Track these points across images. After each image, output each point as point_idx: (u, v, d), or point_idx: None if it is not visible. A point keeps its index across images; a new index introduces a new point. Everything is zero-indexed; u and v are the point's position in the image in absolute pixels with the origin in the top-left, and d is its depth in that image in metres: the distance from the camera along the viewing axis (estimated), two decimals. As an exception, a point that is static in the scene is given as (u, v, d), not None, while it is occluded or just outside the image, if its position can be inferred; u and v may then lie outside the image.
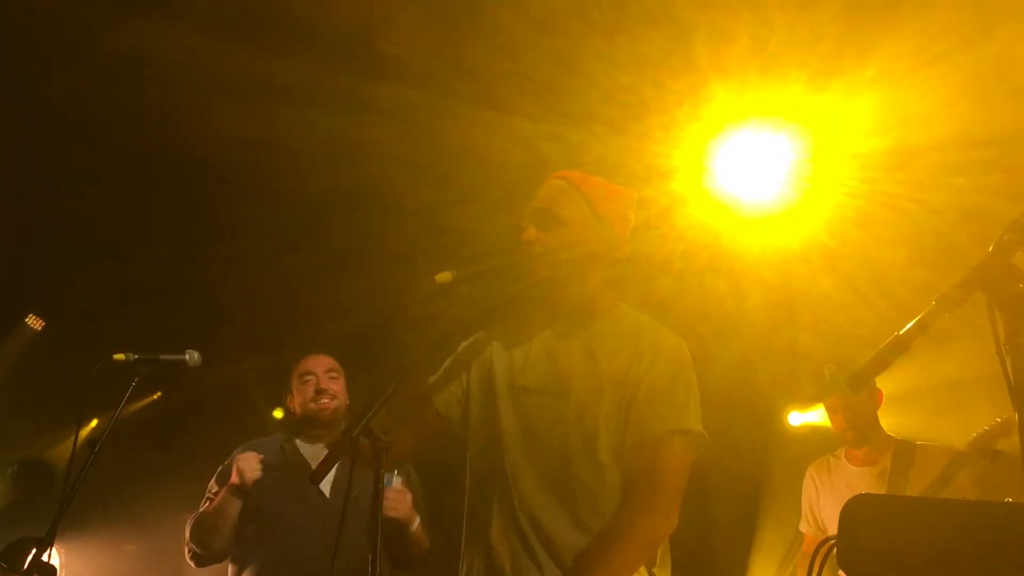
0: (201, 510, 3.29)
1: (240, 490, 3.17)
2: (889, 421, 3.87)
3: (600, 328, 2.31)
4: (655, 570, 2.18)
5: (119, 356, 2.95)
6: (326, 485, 3.25)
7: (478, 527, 2.26)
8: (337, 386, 3.48)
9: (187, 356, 3.10)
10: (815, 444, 5.15)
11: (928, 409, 4.70)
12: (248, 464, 3.17)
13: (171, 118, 4.28)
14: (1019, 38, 3.63)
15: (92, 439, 2.82)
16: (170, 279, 4.88)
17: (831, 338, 5.04)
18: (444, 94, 4.35)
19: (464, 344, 2.45)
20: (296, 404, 3.47)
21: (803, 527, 4.01)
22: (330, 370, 3.49)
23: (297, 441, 3.45)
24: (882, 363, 1.35)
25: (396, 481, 3.02)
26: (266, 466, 3.27)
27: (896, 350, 1.34)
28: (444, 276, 2.11)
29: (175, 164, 4.56)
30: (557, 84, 4.49)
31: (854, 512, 1.48)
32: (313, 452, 3.40)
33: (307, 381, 3.46)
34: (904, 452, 3.70)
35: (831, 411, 3.83)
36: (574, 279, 2.31)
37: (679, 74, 4.35)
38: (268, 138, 4.39)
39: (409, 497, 3.06)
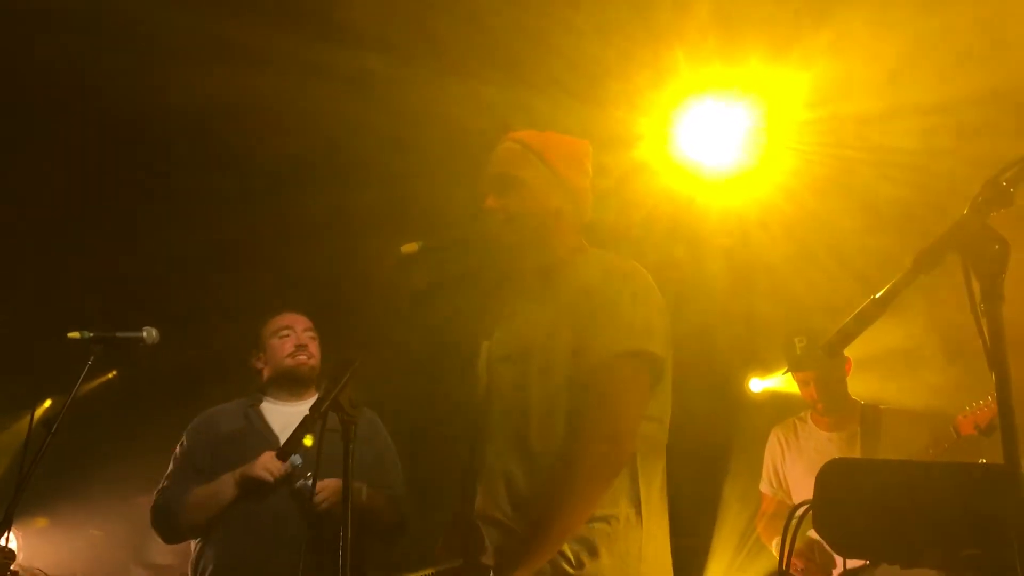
0: (194, 489, 3.10)
1: (248, 484, 3.00)
2: (881, 383, 3.93)
3: (564, 283, 2.27)
4: (644, 511, 2.10)
5: (73, 334, 2.86)
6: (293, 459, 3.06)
7: (465, 495, 2.25)
8: (314, 347, 3.34)
9: (144, 333, 3.01)
10: (776, 410, 5.21)
11: (880, 374, 4.75)
12: (272, 467, 2.99)
13: (128, 82, 4.14)
14: (971, 4, 3.65)
15: (48, 420, 2.75)
16: (125, 253, 4.77)
17: (789, 305, 5.08)
18: (407, 61, 4.30)
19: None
20: (269, 361, 3.30)
21: (764, 487, 4.06)
22: (307, 329, 3.36)
23: (263, 405, 3.29)
24: (857, 328, 1.35)
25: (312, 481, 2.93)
26: (227, 436, 3.17)
27: (871, 314, 1.34)
28: (410, 247, 2.10)
29: (129, 130, 4.43)
30: (519, 51, 4.45)
31: (830, 476, 1.49)
32: (281, 416, 3.23)
33: (285, 336, 3.31)
34: (871, 416, 3.76)
35: (802, 383, 3.86)
36: (540, 243, 2.30)
37: (641, 42, 4.34)
38: (228, 104, 4.28)
39: (331, 483, 2.94)
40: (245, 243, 4.84)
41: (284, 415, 3.22)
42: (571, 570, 2.01)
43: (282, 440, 3.02)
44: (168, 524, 3.11)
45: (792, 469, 3.92)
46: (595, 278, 2.20)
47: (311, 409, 1.81)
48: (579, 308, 2.16)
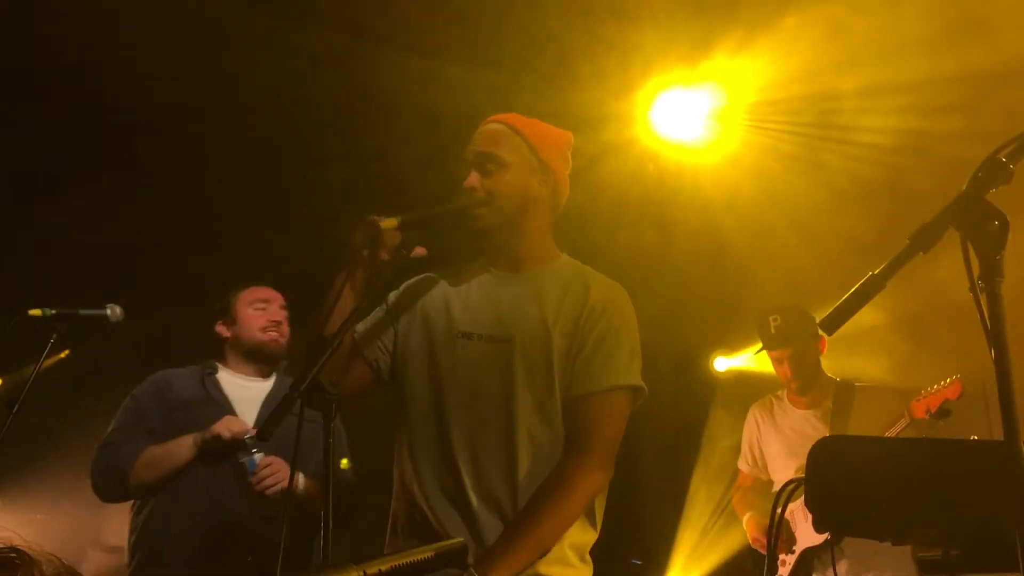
0: (148, 446, 2.95)
1: (207, 446, 2.89)
2: (844, 360, 3.95)
3: (545, 275, 2.27)
4: (597, 516, 2.22)
5: (35, 312, 2.76)
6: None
7: (408, 478, 2.20)
8: (287, 326, 3.23)
9: (108, 311, 2.91)
10: (741, 388, 5.25)
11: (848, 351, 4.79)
12: (233, 426, 2.90)
13: (87, 54, 4.03)
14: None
15: (7, 399, 2.67)
16: (88, 228, 4.64)
17: (754, 285, 5.12)
18: (370, 38, 4.25)
19: (393, 294, 2.37)
20: (239, 331, 3.18)
21: (741, 464, 4.12)
22: (283, 307, 3.27)
23: (220, 374, 3.15)
24: (856, 304, 1.34)
25: (258, 457, 2.85)
26: (183, 401, 3.04)
27: (870, 291, 1.33)
28: (390, 222, 2.06)
29: (91, 105, 4.31)
30: (484, 30, 4.41)
31: (822, 455, 1.48)
32: (239, 389, 3.13)
33: (261, 309, 3.20)
34: (844, 392, 3.80)
35: (776, 361, 3.89)
36: (519, 225, 2.27)
37: (608, 23, 4.32)
38: (194, 80, 4.19)
39: (277, 464, 2.87)
40: (207, 219, 4.75)
41: (241, 388, 3.13)
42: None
43: (239, 412, 3.01)
44: (114, 482, 2.95)
45: (768, 446, 3.96)
46: (603, 301, 2.21)
47: (291, 388, 1.76)
48: (586, 326, 2.18)
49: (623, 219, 4.95)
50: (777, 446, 3.90)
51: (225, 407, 3.04)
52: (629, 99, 4.69)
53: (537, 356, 2.16)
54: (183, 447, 2.92)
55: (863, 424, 3.66)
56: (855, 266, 4.29)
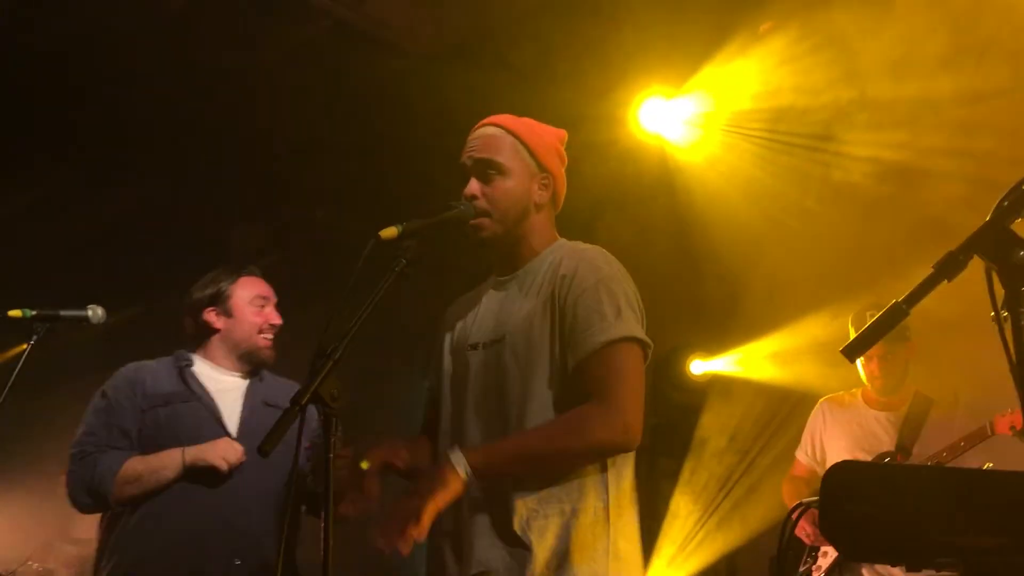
0: (127, 458, 2.74)
1: (198, 468, 2.69)
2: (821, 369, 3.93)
3: (534, 266, 2.24)
4: (612, 509, 2.07)
5: (15, 312, 2.68)
6: (232, 428, 2.81)
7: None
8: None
9: (89, 312, 2.82)
10: (719, 392, 5.27)
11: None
12: (230, 455, 2.72)
13: (65, 46, 3.95)
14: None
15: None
16: (63, 229, 4.56)
17: (733, 287, 5.13)
18: (349, 35, 4.21)
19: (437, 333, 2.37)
20: (234, 326, 2.91)
21: (799, 454, 4.06)
22: (276, 304, 2.98)
23: (196, 367, 2.90)
24: (880, 331, 1.33)
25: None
26: (160, 397, 2.82)
27: (895, 317, 1.33)
28: (389, 232, 2.01)
29: (58, 95, 4.21)
30: (464, 27, 4.39)
31: (837, 480, 1.47)
32: (217, 381, 2.89)
33: (262, 306, 2.94)
34: (921, 404, 3.76)
35: (866, 358, 3.80)
36: (520, 231, 2.24)
37: (591, 23, 4.31)
38: (165, 70, 4.13)
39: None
40: (187, 215, 4.68)
41: (220, 381, 2.90)
42: (543, 567, 1.99)
43: (220, 406, 2.84)
44: (94, 500, 2.75)
45: (832, 441, 3.89)
46: (573, 267, 2.14)
47: (291, 402, 1.71)
48: (560, 296, 2.11)
49: (602, 219, 4.94)
50: (842, 441, 3.84)
51: (206, 401, 2.84)
52: (610, 99, 4.68)
53: (522, 347, 2.12)
54: (170, 466, 2.72)
55: (931, 436, 3.64)
56: (835, 272, 4.34)
